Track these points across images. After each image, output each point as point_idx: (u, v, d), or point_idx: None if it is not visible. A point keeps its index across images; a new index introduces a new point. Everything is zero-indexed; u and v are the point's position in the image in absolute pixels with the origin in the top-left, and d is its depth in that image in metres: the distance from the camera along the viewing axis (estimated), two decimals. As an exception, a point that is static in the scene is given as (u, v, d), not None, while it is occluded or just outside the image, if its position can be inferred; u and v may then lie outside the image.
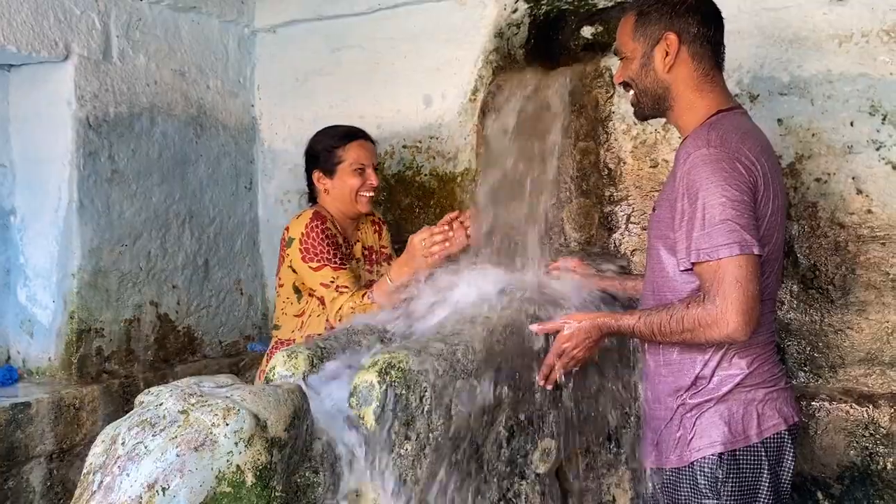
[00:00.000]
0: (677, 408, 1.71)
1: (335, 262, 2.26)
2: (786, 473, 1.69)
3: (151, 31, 2.95)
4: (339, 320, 2.19)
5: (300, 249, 2.28)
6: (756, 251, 1.53)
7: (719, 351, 1.66)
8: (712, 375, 1.67)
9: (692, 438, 1.67)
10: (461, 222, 2.17)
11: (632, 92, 1.80)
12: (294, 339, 2.33)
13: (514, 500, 1.80)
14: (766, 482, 1.65)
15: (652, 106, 1.78)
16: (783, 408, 1.68)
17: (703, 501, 1.65)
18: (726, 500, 1.64)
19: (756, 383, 1.66)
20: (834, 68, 2.40)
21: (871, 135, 2.36)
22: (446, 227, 2.15)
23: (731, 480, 1.64)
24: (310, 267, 2.26)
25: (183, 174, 3.08)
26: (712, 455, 1.64)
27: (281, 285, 2.41)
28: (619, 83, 1.84)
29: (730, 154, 1.57)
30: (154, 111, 2.95)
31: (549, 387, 1.85)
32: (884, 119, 2.35)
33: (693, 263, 1.59)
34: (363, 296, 2.19)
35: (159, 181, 2.97)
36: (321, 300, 2.30)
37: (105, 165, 2.75)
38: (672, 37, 1.69)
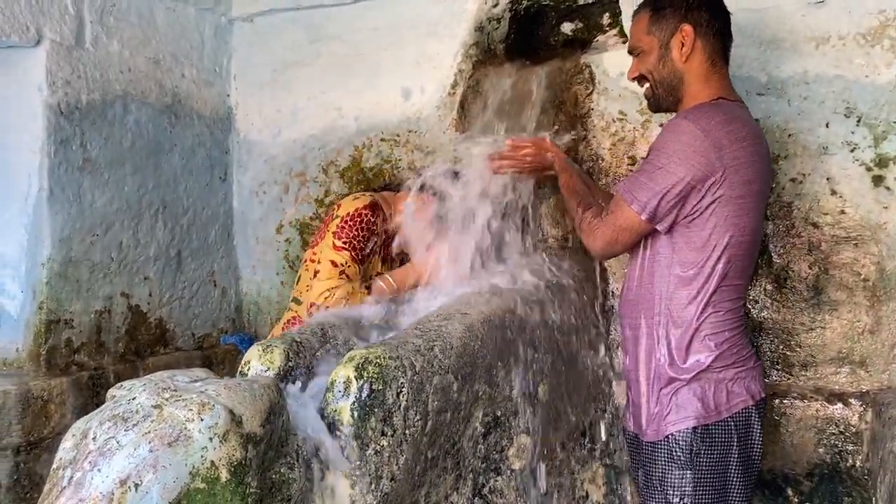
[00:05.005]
0: (654, 380, 1.83)
1: (356, 254, 2.26)
2: (755, 446, 1.82)
3: (126, 18, 2.89)
4: (324, 300, 2.18)
5: (338, 226, 2.28)
6: (643, 217, 1.78)
7: (690, 329, 1.79)
8: (686, 356, 1.79)
9: (668, 414, 1.80)
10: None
11: (647, 85, 1.94)
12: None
13: (489, 495, 1.80)
14: (735, 454, 1.78)
15: (666, 96, 1.91)
16: (751, 385, 1.82)
17: (679, 472, 1.78)
18: (701, 471, 1.77)
19: (726, 364, 1.80)
20: (811, 70, 2.42)
21: (846, 136, 2.39)
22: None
23: (704, 452, 1.77)
24: (334, 243, 2.26)
25: (156, 164, 3.03)
26: (686, 429, 1.78)
27: (315, 260, 2.33)
28: (633, 78, 1.97)
29: (699, 130, 1.71)
30: (127, 99, 2.89)
31: (495, 170, 2.15)
32: (858, 121, 2.37)
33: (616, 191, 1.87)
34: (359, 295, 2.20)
35: (132, 170, 2.92)
36: (316, 273, 2.27)
37: (77, 153, 2.70)
38: (688, 28, 1.84)
